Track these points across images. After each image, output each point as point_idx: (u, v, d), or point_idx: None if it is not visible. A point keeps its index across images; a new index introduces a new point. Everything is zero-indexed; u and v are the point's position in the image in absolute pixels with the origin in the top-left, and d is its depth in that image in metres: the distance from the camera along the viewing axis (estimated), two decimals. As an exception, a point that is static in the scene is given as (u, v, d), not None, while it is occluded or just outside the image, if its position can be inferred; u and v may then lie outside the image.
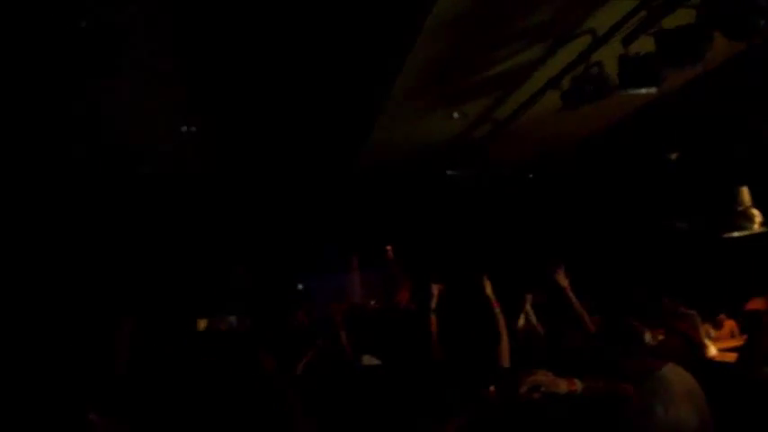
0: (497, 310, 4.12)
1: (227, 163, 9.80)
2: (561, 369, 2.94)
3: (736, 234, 6.75)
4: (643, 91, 4.99)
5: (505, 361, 3.81)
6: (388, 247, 15.40)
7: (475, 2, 4.76)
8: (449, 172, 9.04)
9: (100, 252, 10.01)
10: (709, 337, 6.21)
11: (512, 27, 5.33)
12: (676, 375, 2.98)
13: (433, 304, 4.50)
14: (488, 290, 4.31)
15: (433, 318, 4.45)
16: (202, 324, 11.13)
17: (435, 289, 4.55)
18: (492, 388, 3.16)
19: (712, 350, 5.78)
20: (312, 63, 6.25)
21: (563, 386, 2.74)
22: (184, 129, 7.87)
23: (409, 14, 5.12)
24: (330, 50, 5.96)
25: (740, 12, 4.00)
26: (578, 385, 2.79)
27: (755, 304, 6.77)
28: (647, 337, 5.35)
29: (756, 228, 6.58)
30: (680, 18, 4.48)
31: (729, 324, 6.69)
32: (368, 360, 4.42)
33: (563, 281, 4.44)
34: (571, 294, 4.40)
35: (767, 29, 4.02)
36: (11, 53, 5.22)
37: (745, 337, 6.08)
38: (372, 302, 14.03)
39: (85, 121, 7.18)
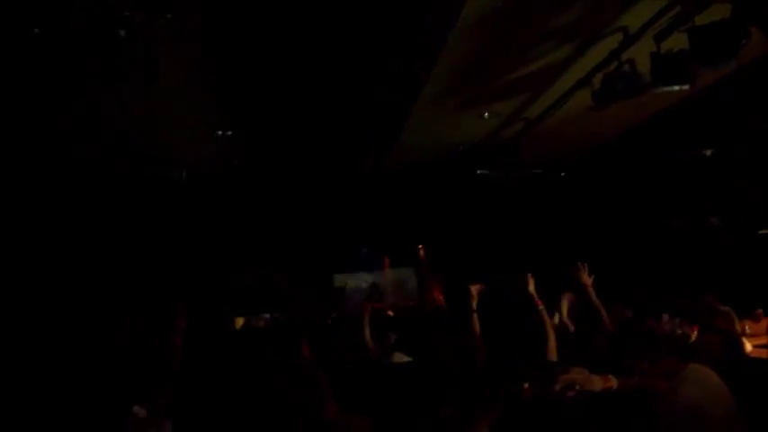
0: (542, 307, 4.12)
1: (261, 165, 9.95)
2: (591, 366, 2.97)
3: (773, 230, 6.66)
4: (676, 88, 4.95)
5: (554, 359, 3.81)
6: (420, 247, 15.47)
7: (504, 2, 4.76)
8: (479, 171, 9.05)
9: (137, 253, 10.28)
10: (745, 334, 6.15)
11: (542, 26, 5.32)
12: (699, 374, 2.99)
13: (474, 305, 4.51)
14: (532, 288, 4.31)
15: (476, 317, 4.47)
16: (240, 322, 11.33)
17: (474, 290, 4.56)
18: (526, 385, 3.18)
19: (748, 346, 5.73)
20: (344, 65, 6.35)
21: (598, 384, 2.76)
22: (219, 133, 8.01)
23: (439, 15, 5.16)
24: (361, 52, 6.04)
25: (778, 6, 3.95)
26: (614, 382, 2.80)
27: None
28: (679, 332, 5.37)
29: (794, 224, 6.50)
30: (714, 13, 4.42)
31: (767, 320, 6.61)
32: (398, 357, 4.45)
33: (586, 279, 4.44)
34: (592, 292, 4.40)
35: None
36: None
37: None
38: (410, 302, 14.11)
39: (118, 128, 7.37)
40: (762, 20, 4.09)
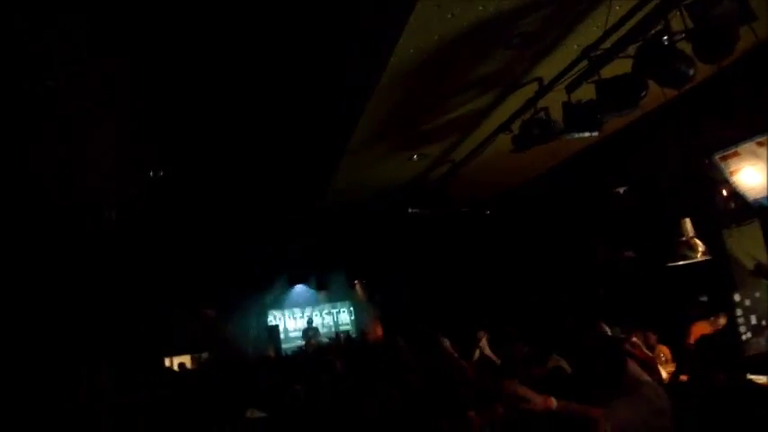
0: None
1: (193, 204, 9.91)
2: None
3: (680, 263, 7.11)
4: (586, 135, 5.34)
5: None
6: (357, 282, 15.65)
7: (430, 54, 5.08)
8: (410, 210, 9.31)
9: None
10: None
11: (465, 76, 5.70)
12: (651, 392, 3.31)
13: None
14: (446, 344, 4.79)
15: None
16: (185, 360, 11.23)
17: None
18: (471, 413, 3.47)
19: (663, 374, 6.11)
20: (279, 109, 6.51)
21: (540, 402, 3.05)
22: (151, 174, 7.96)
23: (369, 64, 5.42)
24: (297, 98, 6.23)
25: (670, 62, 4.35)
26: (554, 403, 3.10)
27: (700, 328, 7.19)
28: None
29: (699, 256, 6.96)
30: (617, 68, 4.82)
31: (661, 349, 7.02)
32: (251, 413, 4.55)
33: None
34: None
35: (695, 77, 4.41)
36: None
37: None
38: (342, 336, 14.20)
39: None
40: (657, 74, 4.50)
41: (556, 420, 3.13)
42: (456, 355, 4.93)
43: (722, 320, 7.27)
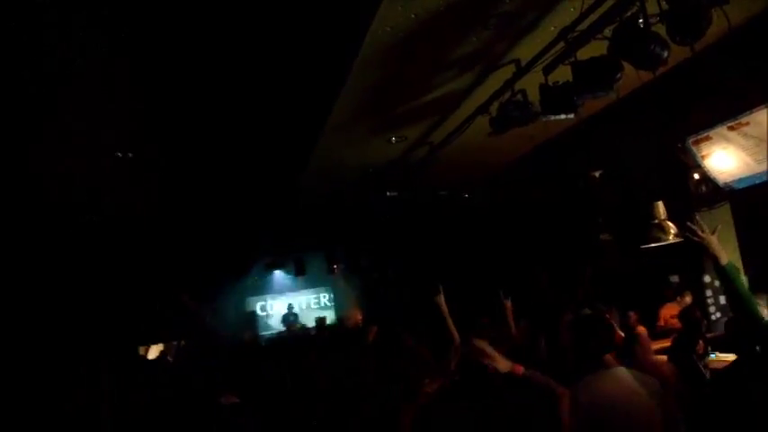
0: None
1: (174, 194, 9.85)
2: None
3: (653, 245, 7.23)
4: (562, 117, 5.38)
5: None
6: (335, 267, 15.68)
7: (406, 33, 5.07)
8: (389, 193, 9.32)
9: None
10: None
11: (443, 57, 5.68)
12: (620, 374, 3.37)
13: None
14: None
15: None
16: (153, 351, 11.11)
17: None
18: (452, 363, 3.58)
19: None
20: (253, 89, 6.47)
21: (504, 365, 3.14)
22: (119, 154, 7.81)
23: (343, 44, 5.39)
24: (271, 78, 6.19)
25: (645, 43, 4.40)
26: (521, 370, 3.20)
27: (669, 309, 7.33)
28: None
29: (671, 239, 7.09)
30: (594, 50, 4.86)
31: (640, 330, 7.14)
32: (226, 399, 4.54)
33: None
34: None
35: (669, 59, 4.47)
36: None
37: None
38: (322, 321, 14.20)
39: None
40: (632, 56, 4.55)
41: (521, 387, 3.23)
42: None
43: (688, 299, 7.45)
